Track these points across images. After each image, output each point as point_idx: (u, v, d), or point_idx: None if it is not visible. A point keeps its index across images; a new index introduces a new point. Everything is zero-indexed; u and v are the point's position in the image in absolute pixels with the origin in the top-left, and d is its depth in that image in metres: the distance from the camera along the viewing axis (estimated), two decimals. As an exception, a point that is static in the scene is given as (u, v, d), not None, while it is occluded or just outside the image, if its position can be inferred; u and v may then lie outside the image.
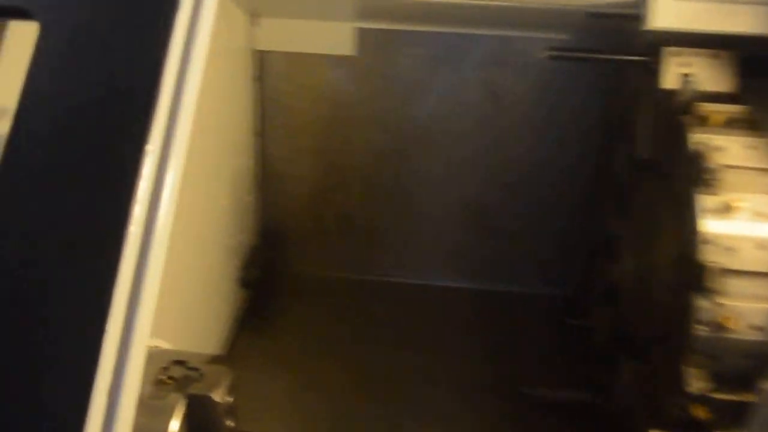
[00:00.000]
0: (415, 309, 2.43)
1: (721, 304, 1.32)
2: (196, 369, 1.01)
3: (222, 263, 2.19)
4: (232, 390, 1.01)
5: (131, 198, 0.85)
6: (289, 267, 2.51)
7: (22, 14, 0.93)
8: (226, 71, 2.07)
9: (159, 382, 0.98)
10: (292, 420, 1.96)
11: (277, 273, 2.45)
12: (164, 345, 1.12)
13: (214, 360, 1.04)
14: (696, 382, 1.37)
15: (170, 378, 0.99)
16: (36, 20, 0.93)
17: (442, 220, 2.43)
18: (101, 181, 0.88)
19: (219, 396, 0.96)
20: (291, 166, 2.39)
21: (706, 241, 1.35)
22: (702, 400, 1.37)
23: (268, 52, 2.21)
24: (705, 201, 1.37)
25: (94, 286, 0.82)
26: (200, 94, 1.92)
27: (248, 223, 2.40)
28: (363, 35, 2.14)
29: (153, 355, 1.03)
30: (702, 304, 1.33)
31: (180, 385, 0.98)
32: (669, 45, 1.61)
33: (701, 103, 1.53)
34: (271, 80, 2.26)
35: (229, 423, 1.01)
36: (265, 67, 2.24)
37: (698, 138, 1.44)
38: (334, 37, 2.12)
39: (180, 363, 1.03)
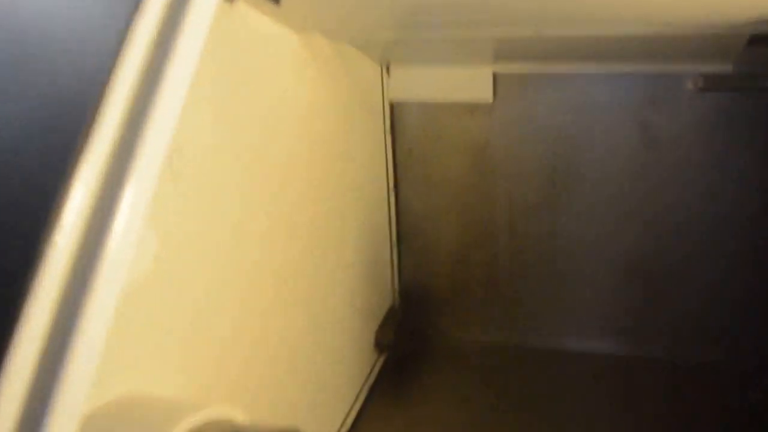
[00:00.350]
0: (565, 378, 2.16)
1: None
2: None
3: (357, 325, 2.11)
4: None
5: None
6: (428, 329, 2.36)
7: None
8: (361, 125, 2.03)
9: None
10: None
11: (416, 336, 2.32)
12: (237, 416, 1.03)
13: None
14: None
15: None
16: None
17: (595, 280, 2.17)
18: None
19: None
20: (430, 222, 2.26)
21: None
22: None
23: (402, 103, 2.13)
24: None
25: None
26: (335, 148, 1.88)
27: (385, 282, 2.30)
28: (501, 81, 2.00)
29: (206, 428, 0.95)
30: None
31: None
32: None
33: None
34: (405, 132, 2.17)
35: None
36: (398, 119, 2.16)
37: None
38: (470, 84, 1.99)
39: (237, 439, 0.92)
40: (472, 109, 2.06)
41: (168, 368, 1.21)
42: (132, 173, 0.69)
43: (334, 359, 1.95)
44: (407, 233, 2.30)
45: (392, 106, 2.14)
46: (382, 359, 2.25)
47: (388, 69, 2.07)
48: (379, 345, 2.18)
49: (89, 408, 0.96)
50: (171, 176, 1.12)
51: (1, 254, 0.64)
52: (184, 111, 1.11)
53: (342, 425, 1.95)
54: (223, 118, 1.33)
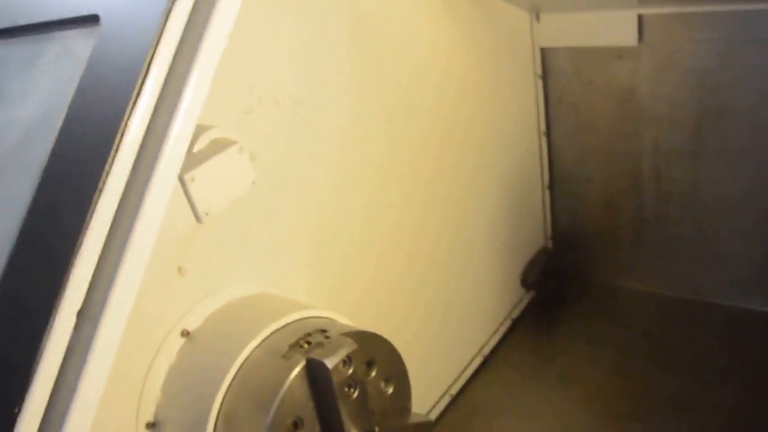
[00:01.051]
0: (702, 331, 2.12)
1: None
2: (328, 338, 1.12)
3: (504, 263, 2.25)
4: (354, 361, 1.08)
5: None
6: (576, 272, 2.42)
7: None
8: (510, 70, 2.13)
9: (296, 344, 1.11)
10: (539, 417, 1.92)
11: (563, 277, 2.39)
12: (338, 318, 1.26)
13: (357, 334, 1.13)
14: None
15: (307, 343, 1.12)
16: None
17: (745, 232, 2.05)
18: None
19: (331, 362, 1.05)
20: (580, 167, 2.29)
21: None
22: None
23: (551, 48, 2.16)
24: None
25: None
26: (483, 94, 1.99)
27: (536, 225, 2.39)
28: (647, 22, 1.93)
29: (301, 323, 1.19)
30: None
31: (310, 349, 1.10)
32: None
33: None
34: (555, 78, 2.20)
35: (349, 391, 1.09)
36: (548, 65, 2.19)
37: None
38: (616, 27, 1.97)
39: (323, 332, 1.15)
40: (619, 53, 2.03)
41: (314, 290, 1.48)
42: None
43: (477, 292, 2.13)
44: (559, 178, 2.36)
45: (543, 53, 2.18)
46: (529, 296, 2.39)
47: (537, 16, 2.11)
48: (525, 283, 2.31)
49: (226, 300, 1.26)
50: (298, 119, 1.36)
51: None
52: (313, 65, 1.35)
53: (480, 351, 2.14)
54: (363, 67, 1.54)
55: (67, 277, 0.69)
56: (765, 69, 1.84)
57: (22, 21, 1.03)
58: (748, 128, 1.93)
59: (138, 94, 0.72)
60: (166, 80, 0.78)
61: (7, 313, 0.76)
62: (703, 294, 2.22)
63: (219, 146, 1.07)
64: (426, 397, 1.93)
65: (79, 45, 0.87)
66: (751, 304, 2.13)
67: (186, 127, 0.73)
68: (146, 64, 0.73)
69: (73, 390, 0.71)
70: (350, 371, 1.08)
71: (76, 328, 0.72)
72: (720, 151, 2.00)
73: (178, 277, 1.17)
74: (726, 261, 2.14)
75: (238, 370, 1.12)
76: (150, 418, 1.16)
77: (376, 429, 1.17)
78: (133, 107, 0.72)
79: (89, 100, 0.77)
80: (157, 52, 0.75)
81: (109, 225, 0.72)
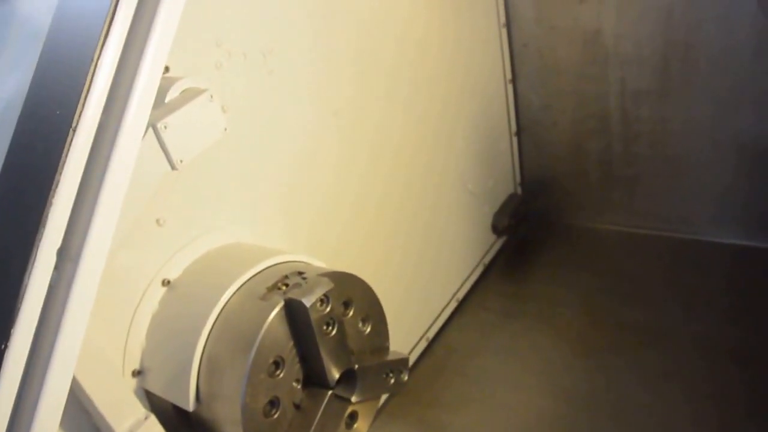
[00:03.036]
0: (673, 265, 2.20)
1: None
2: (305, 279, 1.16)
3: (475, 210, 2.30)
4: (332, 300, 1.12)
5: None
6: (546, 216, 2.49)
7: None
8: (474, 20, 2.15)
9: (274, 287, 1.15)
10: (514, 356, 1.99)
11: (533, 221, 2.45)
12: (314, 261, 1.30)
13: (334, 274, 1.17)
14: None
15: (285, 285, 1.16)
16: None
17: (711, 165, 2.12)
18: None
19: (308, 301, 1.09)
20: (547, 112, 2.33)
21: None
22: None
23: (515, -4, 2.18)
24: None
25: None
26: (447, 44, 2.02)
27: (505, 171, 2.44)
28: (609, -36, 1.96)
29: (278, 267, 1.22)
30: None
31: (287, 290, 1.14)
32: None
33: None
34: (519, 25, 2.23)
35: (327, 329, 1.13)
36: (511, 13, 2.22)
37: None
38: (578, -29, 2.01)
39: (300, 274, 1.19)
40: (583, -3, 2.06)
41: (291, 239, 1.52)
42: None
43: (450, 238, 2.18)
44: (527, 125, 2.41)
45: (506, 1, 2.20)
46: (501, 241, 2.45)
47: (500, -35, 2.13)
48: (495, 228, 2.36)
49: (205, 250, 1.29)
50: (267, 71, 1.38)
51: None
52: (279, 18, 1.37)
53: (454, 296, 2.21)
54: (327, 19, 1.55)
55: (46, 216, 0.72)
56: (731, 3, 1.87)
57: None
58: (713, 62, 1.97)
59: (106, 37, 0.74)
60: (130, 28, 0.79)
61: (-11, 253, 0.79)
62: (672, 229, 2.30)
63: (190, 95, 1.08)
64: (404, 342, 1.99)
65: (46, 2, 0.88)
66: (720, 237, 2.22)
67: (154, 64, 0.75)
68: (111, 10, 0.74)
69: (57, 326, 0.74)
70: (328, 309, 1.13)
71: (57, 267, 0.75)
72: (686, 87, 2.04)
73: (156, 228, 1.20)
74: (695, 196, 2.21)
75: (218, 315, 1.15)
76: (136, 365, 1.19)
77: (356, 366, 1.22)
78: (101, 51, 0.74)
79: (59, 48, 0.78)
80: (119, 2, 0.76)
81: (84, 163, 0.74)
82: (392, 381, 1.30)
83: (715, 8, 1.90)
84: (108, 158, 0.74)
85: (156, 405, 1.21)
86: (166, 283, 1.22)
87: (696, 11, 1.92)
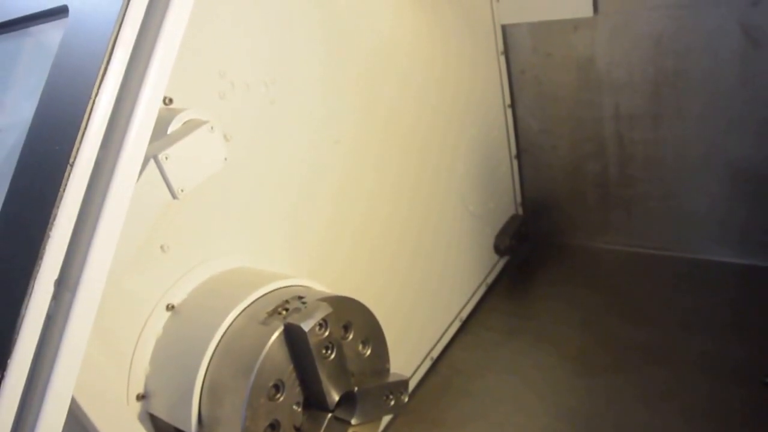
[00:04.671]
0: (673, 284, 2.22)
1: None
2: (305, 304, 1.18)
3: (477, 231, 2.33)
4: (330, 324, 1.15)
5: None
6: (546, 236, 2.52)
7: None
8: (474, 48, 2.20)
9: (274, 312, 1.18)
10: (517, 375, 2.00)
11: (534, 241, 2.48)
12: (315, 285, 1.32)
13: (332, 299, 1.19)
14: None
15: (285, 309, 1.18)
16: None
17: (706, 188, 2.15)
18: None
19: (307, 326, 1.11)
20: (545, 136, 2.37)
21: None
22: None
23: (511, 25, 2.24)
24: None
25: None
26: (449, 72, 2.05)
27: (506, 193, 2.47)
28: (601, -7, 2.02)
29: (279, 292, 1.25)
30: None
31: (287, 315, 1.16)
32: None
33: None
34: (516, 53, 2.29)
35: (326, 353, 1.15)
36: (509, 41, 2.27)
37: None
38: (571, 1, 2.05)
39: (300, 298, 1.21)
40: (576, 24, 2.11)
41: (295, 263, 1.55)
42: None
43: (452, 260, 2.21)
44: (526, 148, 2.45)
45: (504, 30, 2.26)
46: (502, 262, 2.48)
47: (497, -5, 2.19)
48: (497, 249, 2.39)
49: (208, 275, 1.32)
50: (269, 101, 1.42)
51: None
52: (281, 49, 1.41)
53: (458, 315, 2.23)
54: (331, 49, 1.60)
55: (44, 248, 0.75)
56: (716, 32, 1.92)
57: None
58: (704, 88, 2.01)
59: (104, 75, 0.77)
60: (130, 60, 0.83)
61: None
62: (668, 248, 2.32)
63: (191, 126, 1.12)
64: (408, 361, 2.01)
65: (51, 36, 0.92)
66: (716, 256, 2.24)
67: (151, 101, 0.79)
68: (110, 48, 0.78)
69: (55, 354, 0.77)
70: (326, 333, 1.15)
71: (55, 297, 0.77)
72: (678, 112, 2.08)
73: (160, 254, 1.23)
74: (692, 216, 2.24)
75: (221, 340, 1.18)
76: (140, 390, 1.22)
77: (355, 389, 1.24)
78: (99, 87, 0.77)
79: (60, 84, 0.82)
80: (120, 35, 0.79)
81: (81, 196, 0.78)
82: (392, 403, 1.32)
83: (701, 37, 1.95)
84: (105, 191, 0.77)
85: (161, 429, 1.24)
86: (170, 307, 1.25)
87: (683, 39, 1.97)
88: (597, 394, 1.85)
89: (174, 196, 1.08)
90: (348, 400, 1.23)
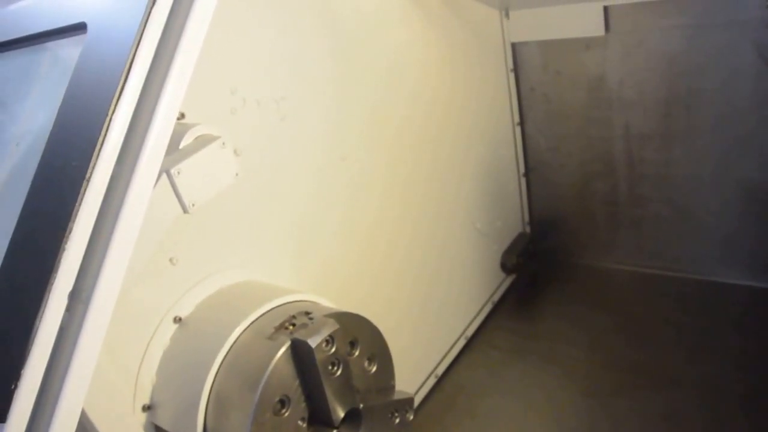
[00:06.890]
0: (680, 305, 2.21)
1: None
2: (312, 319, 1.19)
3: (484, 249, 2.33)
4: (337, 340, 1.15)
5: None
6: (554, 254, 2.51)
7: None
8: (483, 66, 2.21)
9: (281, 326, 1.18)
10: (521, 395, 1.99)
11: (541, 260, 2.48)
12: (322, 301, 1.33)
13: (340, 315, 1.20)
14: None
15: (292, 324, 1.19)
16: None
17: (716, 208, 2.14)
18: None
19: (314, 342, 1.11)
20: (554, 154, 2.38)
21: None
22: None
23: (521, 43, 2.25)
24: None
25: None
26: (458, 89, 2.05)
27: (513, 211, 2.48)
28: (613, 12, 2.02)
29: (286, 306, 1.26)
30: None
31: (294, 330, 1.17)
32: None
33: None
34: (526, 70, 2.30)
35: (332, 369, 1.16)
36: (519, 59, 2.28)
37: None
38: (583, 19, 2.05)
39: (308, 314, 1.22)
40: (587, 43, 2.12)
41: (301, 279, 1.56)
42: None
43: (459, 277, 2.21)
44: (535, 166, 2.45)
45: (513, 48, 2.27)
46: (509, 280, 2.47)
47: (507, 13, 2.20)
48: (504, 267, 2.39)
49: (216, 288, 1.33)
50: (279, 118, 1.44)
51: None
52: (292, 67, 1.43)
53: (463, 333, 2.23)
54: (341, 68, 1.62)
55: (59, 260, 0.76)
56: (729, 51, 1.92)
57: (18, 34, 1.09)
58: (716, 108, 2.01)
59: (121, 92, 0.79)
60: (147, 78, 0.84)
61: (4, 294, 0.83)
62: (678, 269, 2.32)
63: (203, 142, 1.14)
64: (413, 378, 2.01)
65: (69, 52, 0.93)
66: (725, 278, 2.23)
67: (167, 118, 0.80)
68: (128, 65, 0.79)
69: (67, 365, 0.78)
70: (333, 350, 1.15)
71: (69, 309, 0.78)
72: (689, 132, 2.08)
73: (169, 267, 1.24)
74: (701, 237, 2.23)
75: (227, 353, 1.18)
76: (146, 400, 1.22)
77: (361, 406, 1.24)
78: (116, 104, 0.79)
79: (77, 100, 0.83)
80: (137, 53, 0.81)
81: (97, 211, 0.79)
82: (397, 420, 1.32)
83: (715, 56, 1.95)
84: (120, 206, 0.78)
85: (165, 440, 1.24)
86: (177, 320, 1.26)
87: (695, 59, 1.98)
88: (602, 417, 1.85)
89: (185, 210, 1.09)
90: (353, 417, 1.23)
